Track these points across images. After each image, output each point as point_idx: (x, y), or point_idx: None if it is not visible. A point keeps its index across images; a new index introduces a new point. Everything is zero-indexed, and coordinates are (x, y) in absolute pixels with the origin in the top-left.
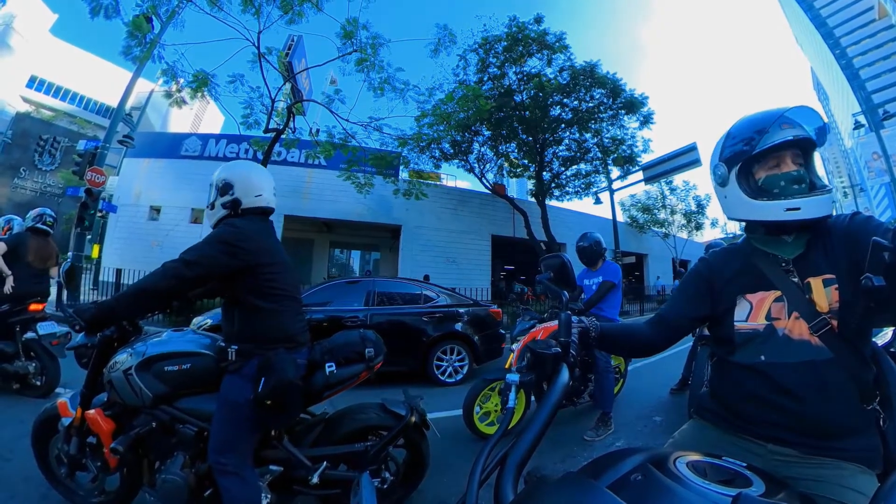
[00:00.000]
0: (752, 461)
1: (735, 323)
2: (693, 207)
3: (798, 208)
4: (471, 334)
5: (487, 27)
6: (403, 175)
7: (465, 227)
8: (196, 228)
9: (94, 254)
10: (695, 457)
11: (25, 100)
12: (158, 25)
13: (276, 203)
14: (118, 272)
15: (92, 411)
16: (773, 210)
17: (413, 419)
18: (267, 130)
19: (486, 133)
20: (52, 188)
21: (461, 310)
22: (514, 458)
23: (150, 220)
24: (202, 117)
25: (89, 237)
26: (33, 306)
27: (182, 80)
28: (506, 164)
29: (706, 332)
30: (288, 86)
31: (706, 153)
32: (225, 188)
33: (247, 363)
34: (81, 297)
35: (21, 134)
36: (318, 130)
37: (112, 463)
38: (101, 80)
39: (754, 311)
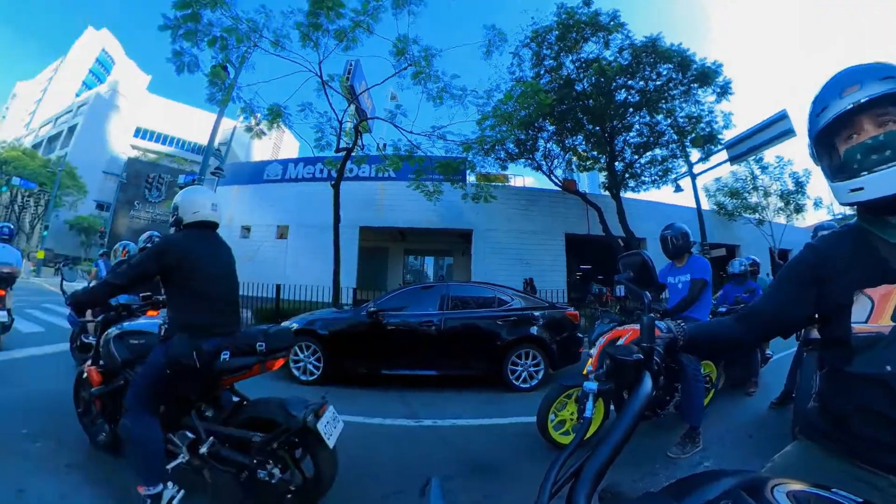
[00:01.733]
0: (870, 496)
1: (852, 324)
2: (790, 186)
3: (861, 188)
4: (546, 338)
5: (536, 20)
6: (471, 179)
7: (537, 226)
8: (282, 243)
9: None
10: (798, 486)
11: (134, 147)
12: (233, 71)
13: (217, 216)
14: None
15: (90, 368)
16: (841, 193)
17: (295, 424)
18: (338, 150)
19: (551, 128)
20: (160, 216)
21: (536, 313)
22: (590, 471)
23: (242, 238)
24: (280, 145)
25: None
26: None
27: (259, 115)
28: (574, 158)
29: (814, 334)
30: (352, 107)
31: (800, 120)
32: (173, 210)
33: (167, 340)
34: None
35: (133, 175)
36: (384, 145)
37: (97, 406)
38: (193, 123)
39: (877, 309)
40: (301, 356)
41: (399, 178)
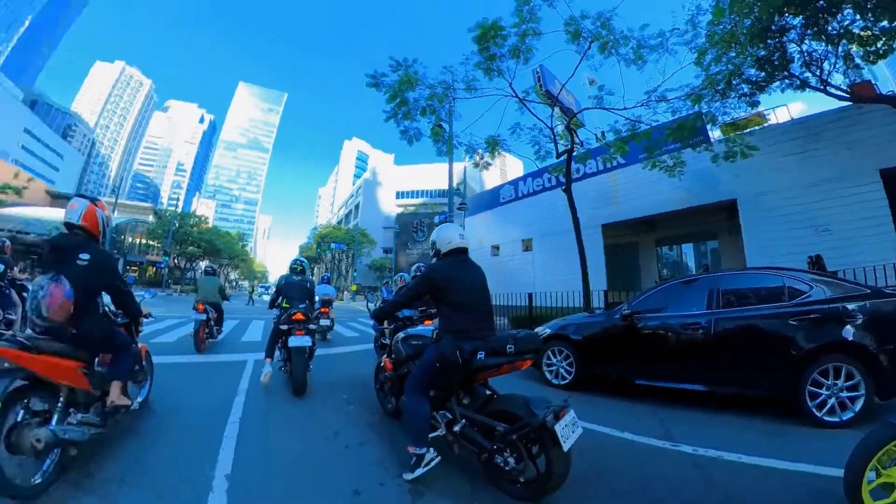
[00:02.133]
0: None
1: None
2: None
3: None
4: (870, 346)
5: None
6: (715, 135)
7: (831, 171)
8: (528, 255)
9: None
10: None
11: (398, 206)
12: (447, 126)
13: (465, 242)
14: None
15: (385, 359)
16: None
17: (534, 422)
18: (559, 155)
19: (796, 21)
20: (426, 250)
21: (851, 306)
22: None
23: (493, 256)
24: (505, 168)
25: None
26: None
27: (480, 151)
28: (853, 47)
29: None
30: (556, 110)
31: None
32: (432, 245)
33: (437, 342)
34: None
35: (402, 225)
36: (602, 133)
37: (388, 386)
38: (433, 175)
39: None
40: (554, 360)
41: (630, 163)
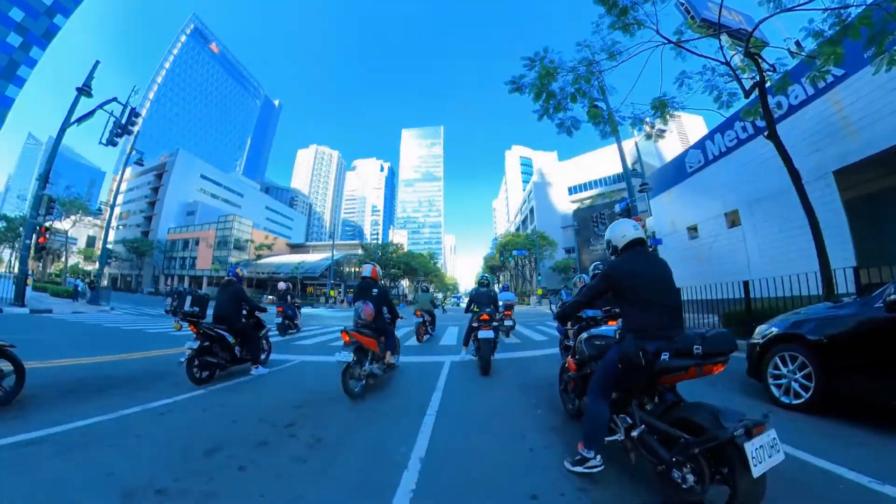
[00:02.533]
0: None
1: None
2: None
3: None
4: None
5: None
6: None
7: None
8: (736, 232)
9: None
10: None
11: (572, 202)
12: (602, 105)
13: (641, 233)
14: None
15: (569, 360)
16: None
17: (721, 435)
18: (747, 93)
19: None
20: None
21: None
22: None
23: (690, 240)
24: (684, 131)
25: None
26: None
27: (647, 120)
28: None
29: None
30: (723, 37)
31: None
32: (607, 244)
33: (620, 342)
34: None
35: (581, 220)
36: (797, 43)
37: (572, 386)
38: (601, 161)
39: None
40: (783, 370)
41: (851, 71)
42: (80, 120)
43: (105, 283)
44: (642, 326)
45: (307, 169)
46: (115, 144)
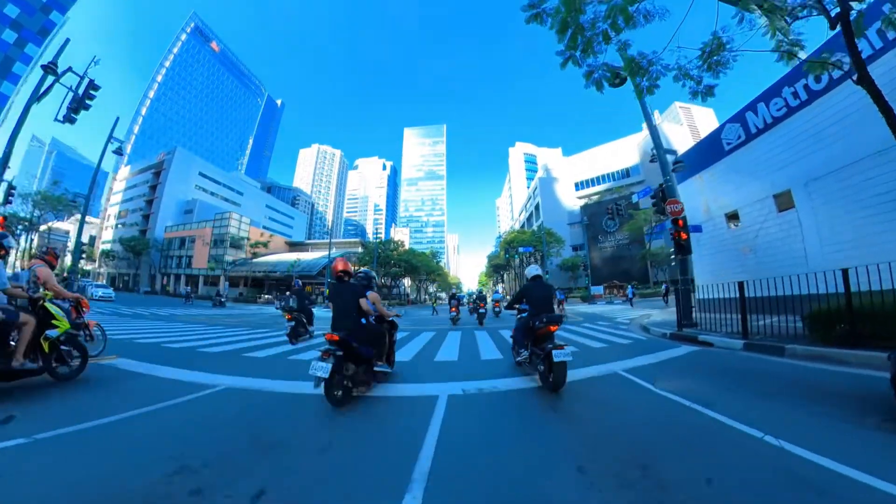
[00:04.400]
0: None
1: None
2: None
3: None
4: None
5: None
6: None
7: None
8: (788, 217)
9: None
10: None
11: (579, 198)
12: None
13: (539, 271)
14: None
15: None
16: None
17: (547, 350)
18: (834, 23)
19: None
20: (622, 241)
21: None
22: None
23: (731, 230)
24: (695, 123)
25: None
26: None
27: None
28: None
29: None
30: None
31: None
32: (527, 275)
33: (524, 316)
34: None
35: (590, 216)
36: None
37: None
38: (606, 157)
39: None
40: None
41: None
42: (40, 97)
43: (103, 281)
44: (531, 312)
45: (309, 168)
46: (73, 121)
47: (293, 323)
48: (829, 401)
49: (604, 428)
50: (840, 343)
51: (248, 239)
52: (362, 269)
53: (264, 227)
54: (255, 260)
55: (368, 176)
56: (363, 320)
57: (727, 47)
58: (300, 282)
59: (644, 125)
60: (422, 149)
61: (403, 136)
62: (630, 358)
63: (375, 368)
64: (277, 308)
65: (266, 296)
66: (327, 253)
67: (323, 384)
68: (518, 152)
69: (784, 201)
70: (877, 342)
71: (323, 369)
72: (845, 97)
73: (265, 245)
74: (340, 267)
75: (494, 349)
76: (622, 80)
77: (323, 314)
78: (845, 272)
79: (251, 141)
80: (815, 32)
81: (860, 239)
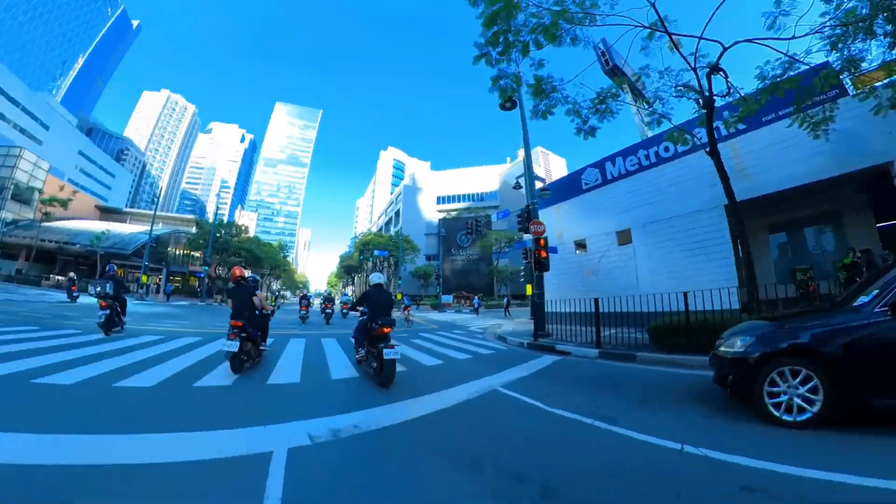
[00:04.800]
0: None
1: None
2: None
3: None
4: None
5: None
6: (876, 77)
7: None
8: (626, 250)
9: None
10: None
11: (439, 211)
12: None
13: (382, 279)
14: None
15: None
16: None
17: (379, 349)
18: (706, 104)
19: None
20: (472, 256)
21: None
22: None
23: (577, 255)
24: (549, 168)
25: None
26: None
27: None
28: None
29: None
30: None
31: None
32: (369, 283)
33: (364, 318)
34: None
35: (447, 228)
36: (731, 90)
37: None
38: (473, 178)
39: None
40: (781, 386)
41: (753, 127)
42: None
43: None
44: (371, 315)
45: (151, 118)
46: None
47: (108, 311)
48: (688, 397)
49: (520, 477)
50: (679, 350)
51: (42, 192)
52: (251, 275)
53: (70, 181)
54: (46, 224)
55: (222, 144)
56: (256, 312)
57: (619, 98)
58: (114, 266)
59: (509, 159)
60: (291, 129)
61: (274, 110)
62: (500, 371)
63: (261, 347)
64: (93, 294)
65: (58, 277)
66: (149, 228)
67: (230, 356)
68: (389, 156)
69: (625, 237)
70: (706, 349)
71: (233, 345)
72: (684, 167)
73: (64, 205)
74: (238, 273)
75: (347, 363)
76: (512, 105)
77: (134, 308)
78: (685, 294)
79: (81, 60)
80: (680, 111)
81: (679, 272)
